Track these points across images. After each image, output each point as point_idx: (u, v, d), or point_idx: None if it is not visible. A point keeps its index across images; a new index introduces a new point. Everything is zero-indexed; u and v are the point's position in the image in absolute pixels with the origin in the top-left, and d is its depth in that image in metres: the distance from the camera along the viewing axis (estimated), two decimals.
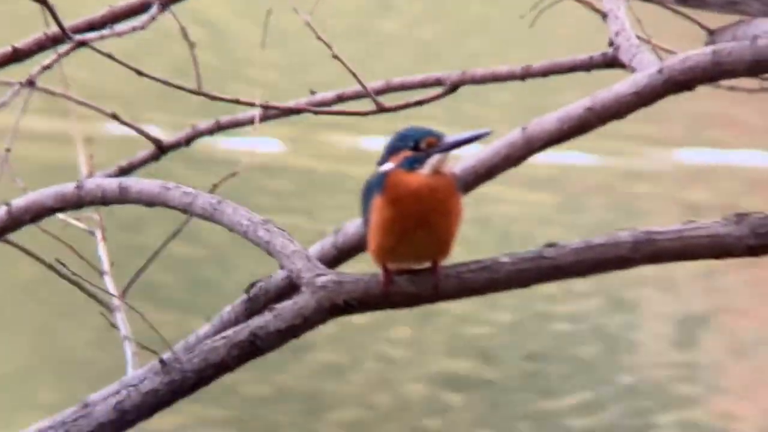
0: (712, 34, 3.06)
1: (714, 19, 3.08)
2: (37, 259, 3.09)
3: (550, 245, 2.49)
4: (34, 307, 5.85)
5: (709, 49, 2.71)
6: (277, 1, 3.16)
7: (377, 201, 2.44)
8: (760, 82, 3.24)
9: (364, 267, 2.55)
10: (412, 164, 2.43)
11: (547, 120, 2.74)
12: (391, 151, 2.46)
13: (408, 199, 2.42)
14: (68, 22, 2.92)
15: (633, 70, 2.84)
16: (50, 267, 3.02)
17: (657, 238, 2.50)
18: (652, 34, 3.05)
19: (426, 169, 2.43)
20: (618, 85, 2.73)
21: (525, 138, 2.74)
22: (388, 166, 2.45)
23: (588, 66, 2.96)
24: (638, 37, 2.96)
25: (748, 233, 2.49)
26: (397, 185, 2.42)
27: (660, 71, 2.72)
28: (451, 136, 2.45)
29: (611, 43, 2.94)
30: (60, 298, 5.65)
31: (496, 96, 7.27)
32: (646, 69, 2.75)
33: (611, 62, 2.93)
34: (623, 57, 2.89)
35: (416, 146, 2.44)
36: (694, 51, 2.71)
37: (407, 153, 2.44)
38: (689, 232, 2.51)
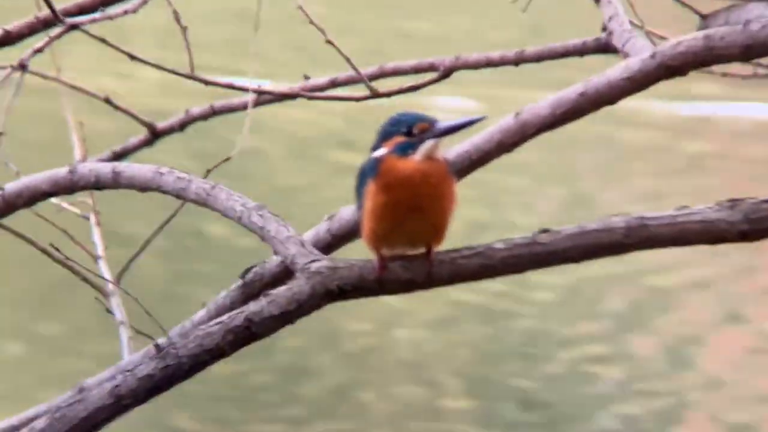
0: (705, 19, 3.06)
1: (706, 4, 3.08)
2: (32, 243, 3.09)
3: (544, 231, 2.50)
4: (29, 293, 5.85)
5: (702, 34, 2.71)
6: None
7: (370, 187, 2.44)
8: (753, 68, 3.24)
9: (358, 253, 2.56)
10: (405, 150, 2.43)
11: (541, 106, 2.74)
12: (384, 137, 2.46)
13: (401, 184, 2.42)
14: (60, 6, 2.92)
15: (626, 55, 2.84)
16: (44, 251, 3.02)
17: (650, 223, 2.51)
18: (645, 19, 3.05)
19: (419, 154, 2.43)
20: (611, 70, 2.73)
21: (518, 124, 2.74)
22: (381, 151, 2.45)
23: (581, 51, 2.97)
24: (631, 23, 2.96)
25: (741, 219, 2.50)
26: (389, 171, 2.42)
27: (653, 56, 2.72)
28: (444, 122, 2.45)
29: (604, 28, 2.94)
30: (54, 283, 5.65)
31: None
32: (638, 54, 2.75)
33: (604, 47, 2.93)
34: (616, 42, 2.89)
35: (409, 131, 2.44)
36: (687, 36, 2.72)
37: (400, 138, 2.44)
38: (682, 218, 2.51)
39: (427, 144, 2.44)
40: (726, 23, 2.96)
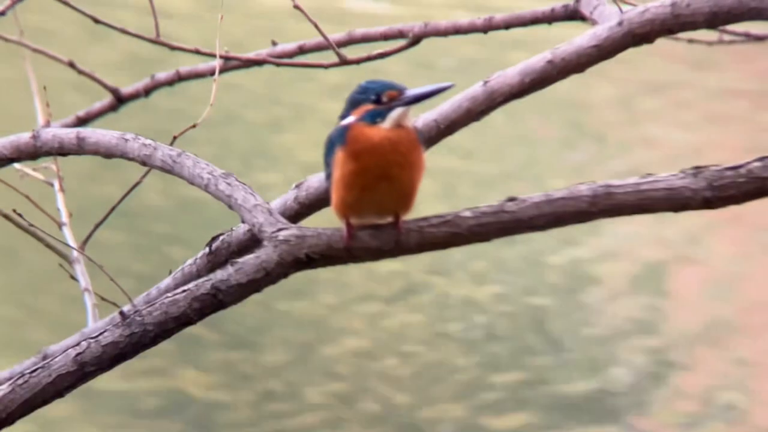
0: None
1: None
2: None
3: (511, 199, 2.50)
4: None
5: (669, 1, 2.71)
6: None
7: (339, 155, 2.42)
8: (718, 35, 3.25)
9: (326, 222, 2.55)
10: (374, 118, 2.42)
11: (509, 74, 2.74)
12: (352, 105, 2.45)
13: (369, 152, 2.41)
14: None
15: (594, 22, 2.84)
16: (7, 218, 3.00)
17: (615, 191, 2.51)
18: None
19: (388, 122, 2.42)
20: (578, 38, 2.73)
21: (486, 92, 2.73)
22: (350, 119, 2.44)
23: (549, 18, 2.96)
24: None
25: (704, 186, 2.51)
26: (358, 139, 2.41)
27: (620, 24, 2.72)
28: (412, 89, 2.44)
29: None
30: (18, 250, 5.61)
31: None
32: (606, 21, 2.75)
33: (572, 15, 2.92)
34: (584, 9, 2.89)
35: (378, 99, 2.43)
36: (654, 3, 2.72)
37: (368, 106, 2.43)
38: (646, 185, 2.52)
39: (396, 112, 2.43)
40: None
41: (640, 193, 2.52)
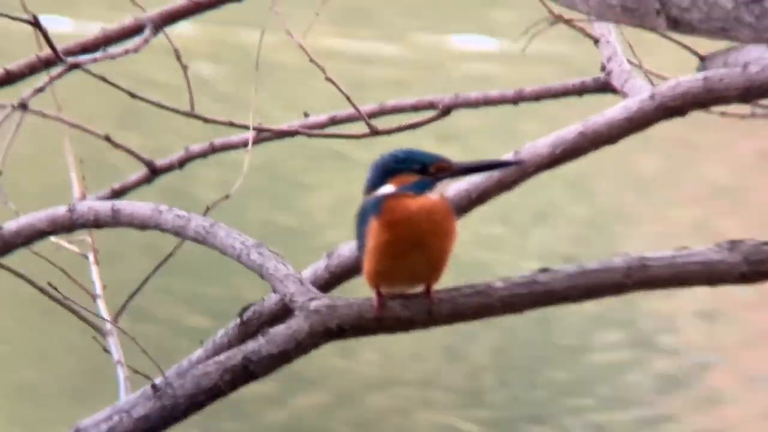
0: (704, 60, 3.07)
1: (705, 45, 3.09)
2: (30, 282, 3.08)
3: (544, 270, 2.49)
4: (27, 332, 5.84)
5: (701, 75, 2.73)
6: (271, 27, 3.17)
7: (373, 224, 2.42)
8: (751, 108, 3.25)
9: (357, 292, 2.54)
10: (422, 189, 2.41)
11: (540, 145, 2.75)
12: (387, 173, 2.45)
13: (406, 221, 2.40)
14: (61, 45, 2.92)
15: (625, 95, 2.85)
16: (42, 291, 3.01)
17: (650, 264, 2.50)
18: (644, 58, 3.06)
19: (436, 193, 2.42)
20: (610, 110, 2.74)
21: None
22: (388, 188, 2.44)
23: (580, 90, 2.98)
24: (629, 62, 2.97)
25: (740, 260, 2.49)
26: (394, 208, 2.41)
27: (652, 97, 2.73)
28: (463, 162, 2.44)
29: (603, 68, 2.95)
30: (52, 322, 5.64)
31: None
32: (637, 94, 2.76)
33: (603, 87, 2.94)
34: (615, 82, 2.90)
35: (423, 170, 2.42)
36: (686, 77, 2.73)
37: (412, 177, 2.42)
38: (682, 259, 2.51)
39: (444, 183, 2.43)
40: (725, 65, 2.97)
41: (675, 267, 2.51)
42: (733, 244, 2.50)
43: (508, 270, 2.46)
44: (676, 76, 2.77)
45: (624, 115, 2.73)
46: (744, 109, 3.16)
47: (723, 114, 3.19)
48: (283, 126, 3.03)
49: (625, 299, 2.54)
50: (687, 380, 5.66)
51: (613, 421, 5.57)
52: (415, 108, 3.00)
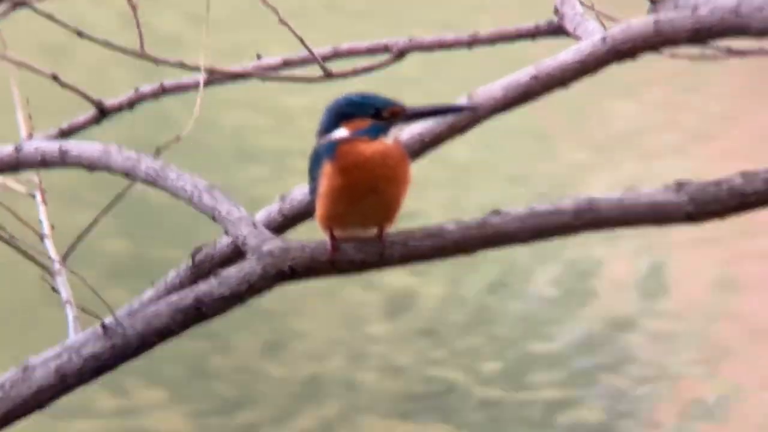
0: (655, 3, 3.08)
1: None
2: None
3: (495, 212, 2.51)
4: None
5: (651, 18, 2.73)
6: None
7: (327, 168, 2.42)
8: (701, 50, 3.27)
9: (309, 234, 2.55)
10: (376, 133, 2.41)
11: (493, 88, 2.75)
12: (340, 117, 2.44)
13: (360, 167, 2.41)
14: None
15: (577, 38, 2.86)
16: None
17: (598, 205, 2.53)
18: (596, 1, 3.07)
19: (390, 138, 2.42)
20: (563, 53, 2.75)
21: (471, 106, 2.75)
22: (341, 132, 2.44)
23: (533, 34, 2.98)
24: (582, 4, 2.98)
25: (686, 200, 2.52)
26: (349, 153, 2.41)
27: (603, 40, 2.74)
28: (415, 107, 2.44)
29: (556, 11, 2.96)
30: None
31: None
32: (590, 37, 2.77)
33: (556, 30, 2.94)
34: (568, 25, 2.91)
35: (377, 114, 2.42)
36: (637, 20, 2.74)
37: (365, 121, 2.42)
38: (629, 200, 2.54)
39: (397, 128, 2.42)
40: (675, 7, 2.99)
41: (623, 207, 2.53)
42: (680, 185, 2.52)
43: None
44: (628, 17, 2.78)
45: (576, 58, 2.74)
46: (695, 50, 3.17)
47: (673, 55, 3.21)
48: (236, 68, 3.01)
49: None
50: None
51: None
52: (370, 51, 2.99)
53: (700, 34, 2.72)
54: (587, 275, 5.85)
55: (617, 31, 2.74)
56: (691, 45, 2.82)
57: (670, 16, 2.72)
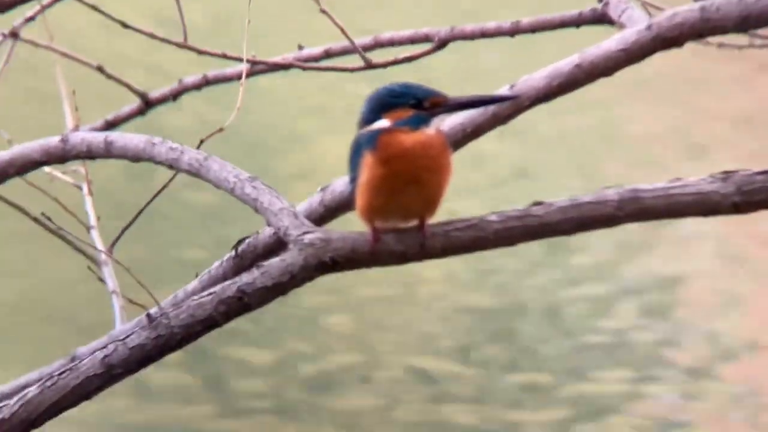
0: None
1: None
2: (24, 212, 3.08)
3: (537, 203, 2.49)
4: (21, 261, 5.85)
5: (698, 5, 2.71)
6: None
7: (368, 159, 2.41)
8: (749, 38, 3.23)
9: (352, 225, 2.54)
10: (418, 123, 2.39)
11: (536, 77, 2.73)
12: (382, 108, 2.43)
13: (401, 157, 2.39)
14: None
15: (622, 26, 2.83)
16: (36, 221, 3.01)
17: (643, 196, 2.50)
18: None
19: (432, 128, 2.40)
20: (607, 42, 2.72)
21: (513, 96, 2.73)
22: (383, 123, 2.43)
23: (577, 22, 2.95)
24: None
25: (734, 190, 2.49)
26: (390, 143, 2.40)
27: (648, 28, 2.71)
28: (458, 97, 2.43)
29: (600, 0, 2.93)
30: (47, 252, 5.65)
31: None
32: (634, 25, 2.74)
33: (600, 18, 2.92)
34: (612, 13, 2.88)
35: (419, 104, 2.41)
36: (683, 7, 2.71)
37: (407, 111, 2.40)
38: (675, 190, 2.51)
39: (440, 118, 2.41)
40: None
41: (668, 198, 2.50)
42: (727, 174, 2.49)
43: None
44: (673, 6, 2.75)
45: (621, 47, 2.71)
46: (742, 39, 3.14)
47: (721, 45, 3.18)
48: (277, 59, 3.01)
49: None
50: None
51: None
52: (412, 41, 2.98)
53: (749, 22, 2.69)
54: None
55: (663, 18, 2.71)
56: (739, 32, 2.79)
57: (716, 3, 2.69)
